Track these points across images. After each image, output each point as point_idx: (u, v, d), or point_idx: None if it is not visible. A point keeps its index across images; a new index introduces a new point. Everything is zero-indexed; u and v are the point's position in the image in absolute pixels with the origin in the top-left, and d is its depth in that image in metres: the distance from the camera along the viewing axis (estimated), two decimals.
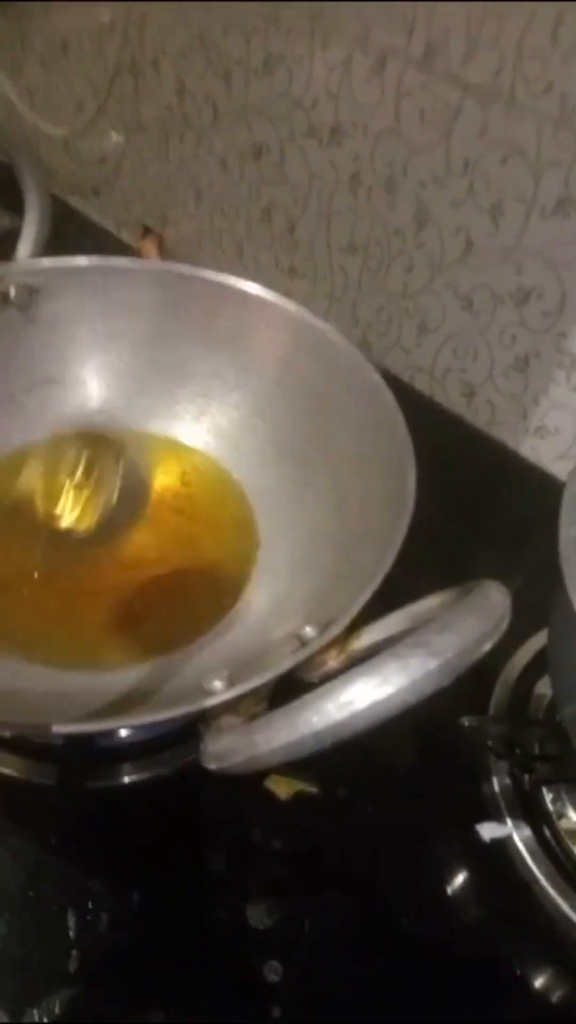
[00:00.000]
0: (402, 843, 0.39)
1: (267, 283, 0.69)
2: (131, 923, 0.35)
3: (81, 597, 0.39)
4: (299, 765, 0.39)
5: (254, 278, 0.70)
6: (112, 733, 0.36)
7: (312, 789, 0.39)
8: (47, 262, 0.43)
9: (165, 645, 0.37)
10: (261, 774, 0.39)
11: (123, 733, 0.38)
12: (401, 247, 0.59)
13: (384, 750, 0.41)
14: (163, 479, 0.44)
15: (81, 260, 0.43)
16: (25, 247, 0.43)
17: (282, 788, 0.39)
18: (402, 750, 0.41)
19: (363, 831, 0.39)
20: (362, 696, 0.22)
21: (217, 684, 0.28)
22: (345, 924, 0.36)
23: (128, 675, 0.36)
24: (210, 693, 0.28)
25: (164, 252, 0.77)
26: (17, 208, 0.82)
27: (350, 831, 0.39)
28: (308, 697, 0.23)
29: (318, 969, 0.34)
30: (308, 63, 0.57)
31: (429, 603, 0.29)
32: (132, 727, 0.27)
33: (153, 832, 0.38)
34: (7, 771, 0.38)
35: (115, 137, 0.75)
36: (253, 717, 0.28)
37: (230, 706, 0.28)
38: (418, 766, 0.41)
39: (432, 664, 0.22)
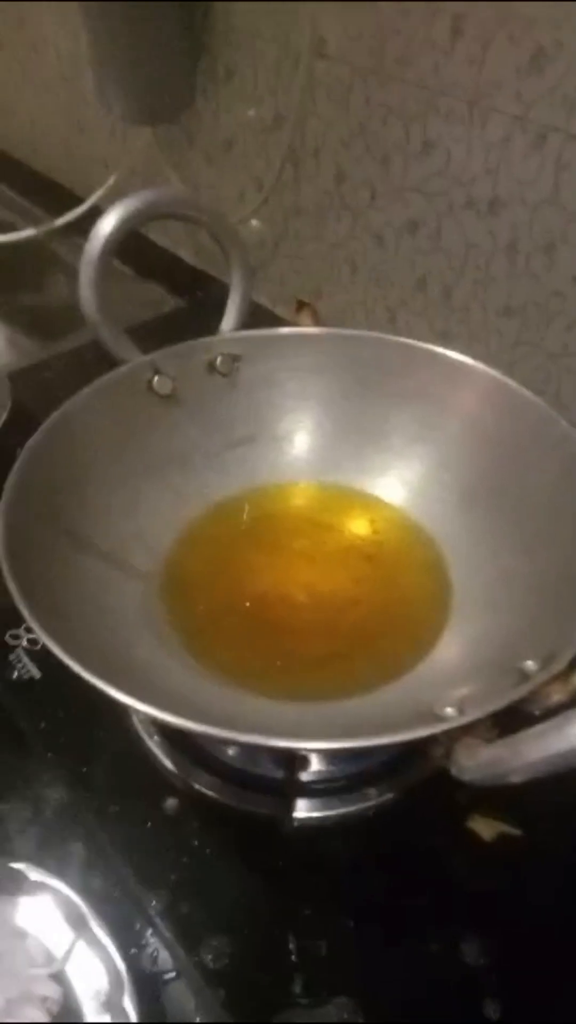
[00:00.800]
0: None
1: None
2: (348, 954, 0.36)
3: (286, 634, 0.42)
4: (501, 806, 0.40)
5: None
6: (333, 760, 0.38)
7: (516, 831, 0.40)
8: (247, 333, 0.48)
9: (371, 680, 0.39)
10: (463, 814, 0.40)
11: (329, 767, 0.40)
12: (560, 307, 0.61)
13: None
14: (353, 528, 0.47)
15: (279, 330, 0.48)
16: (229, 320, 0.48)
17: (485, 829, 0.40)
18: None
19: (570, 875, 0.39)
20: None
21: (450, 711, 0.30)
22: (559, 964, 0.36)
23: (340, 708, 0.38)
24: (444, 718, 0.29)
25: (318, 324, 0.82)
26: (177, 291, 0.90)
27: (556, 875, 0.39)
28: (570, 713, 0.24)
29: (537, 1007, 0.34)
30: (466, 143, 0.61)
31: None
32: (370, 747, 0.29)
33: (361, 866, 0.39)
34: (228, 801, 0.41)
35: (258, 224, 0.81)
36: (490, 743, 0.29)
37: (466, 731, 0.29)
38: None
39: None
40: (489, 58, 0.56)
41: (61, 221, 0.96)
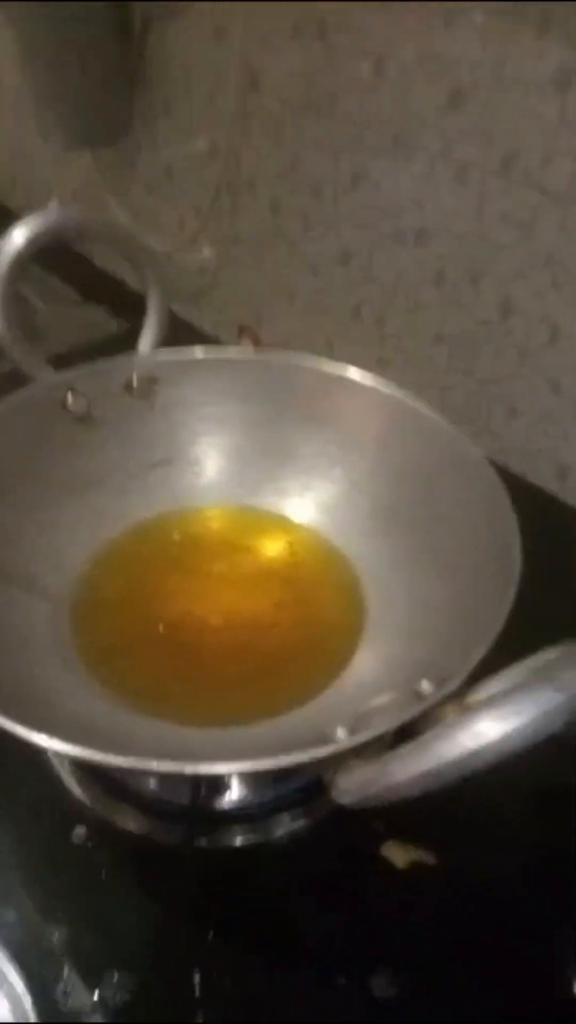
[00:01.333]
0: (526, 919, 0.38)
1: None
2: (253, 986, 0.35)
3: (198, 658, 0.41)
4: (414, 832, 0.40)
5: None
6: (232, 784, 0.37)
7: (429, 859, 0.39)
8: (166, 354, 0.48)
9: (280, 704, 0.39)
10: (376, 841, 0.40)
11: (240, 794, 0.39)
12: (488, 335, 0.62)
13: (500, 819, 0.41)
14: (271, 550, 0.47)
15: (196, 352, 0.48)
16: (146, 341, 0.47)
17: (399, 856, 0.39)
18: (521, 817, 0.41)
19: (484, 904, 0.38)
20: (494, 726, 0.23)
21: (340, 733, 0.30)
22: (467, 997, 0.35)
23: (245, 732, 0.37)
24: (334, 740, 0.29)
25: (259, 346, 0.82)
26: (121, 314, 0.90)
27: (470, 904, 0.39)
28: (440, 729, 0.24)
29: None
30: (393, 176, 0.62)
31: (546, 656, 0.30)
32: (260, 771, 0.28)
33: (270, 896, 0.39)
34: (132, 829, 0.39)
35: (207, 252, 0.82)
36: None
37: (355, 754, 0.29)
38: (538, 835, 0.41)
39: (560, 697, 0.23)
40: (411, 96, 0.57)
41: None
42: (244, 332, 0.83)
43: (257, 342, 0.82)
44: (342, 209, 0.68)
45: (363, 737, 0.29)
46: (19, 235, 0.40)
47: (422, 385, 0.70)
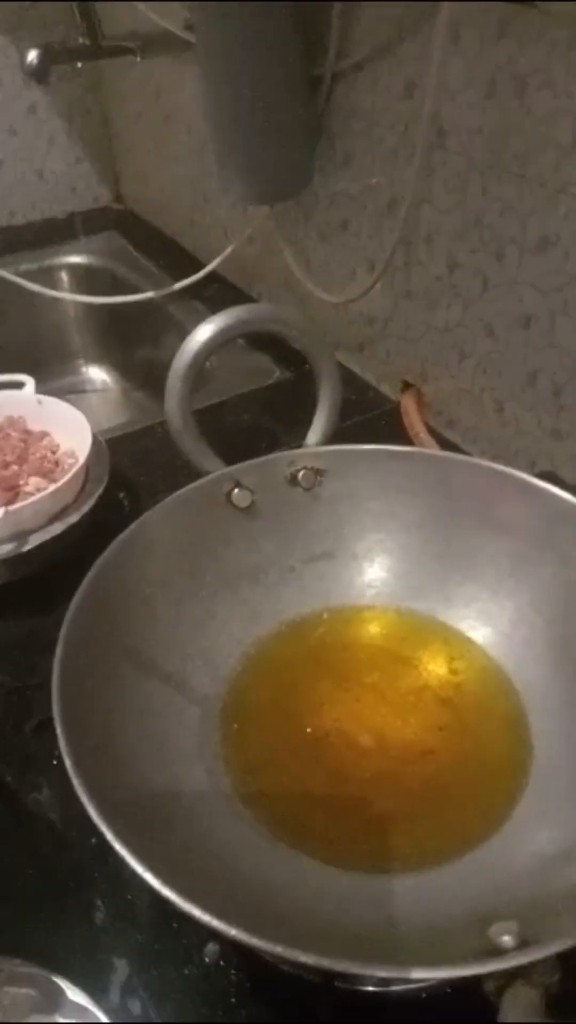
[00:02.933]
0: None
1: (528, 443, 0.69)
2: None
3: (346, 784, 0.39)
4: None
5: (513, 436, 0.71)
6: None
7: None
8: (333, 448, 0.46)
9: (431, 854, 0.36)
10: None
11: None
12: None
13: None
14: (430, 664, 0.44)
15: (365, 446, 0.46)
16: (315, 435, 0.46)
17: None
18: None
19: None
20: None
21: (506, 940, 0.27)
22: None
23: (391, 886, 0.35)
24: (500, 951, 0.26)
25: (423, 406, 0.79)
26: (283, 362, 0.90)
27: None
28: None
29: None
30: None
31: None
32: (410, 978, 0.26)
33: None
34: (271, 957, 0.38)
35: (380, 303, 0.80)
36: (548, 989, 0.26)
37: (521, 969, 0.26)
38: None
39: None
40: None
41: (179, 285, 0.99)
42: (407, 390, 0.80)
43: (420, 401, 0.79)
44: (525, 273, 0.63)
45: (534, 955, 0.26)
46: (202, 334, 0.40)
47: None
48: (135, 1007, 0.40)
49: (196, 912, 0.27)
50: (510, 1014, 0.24)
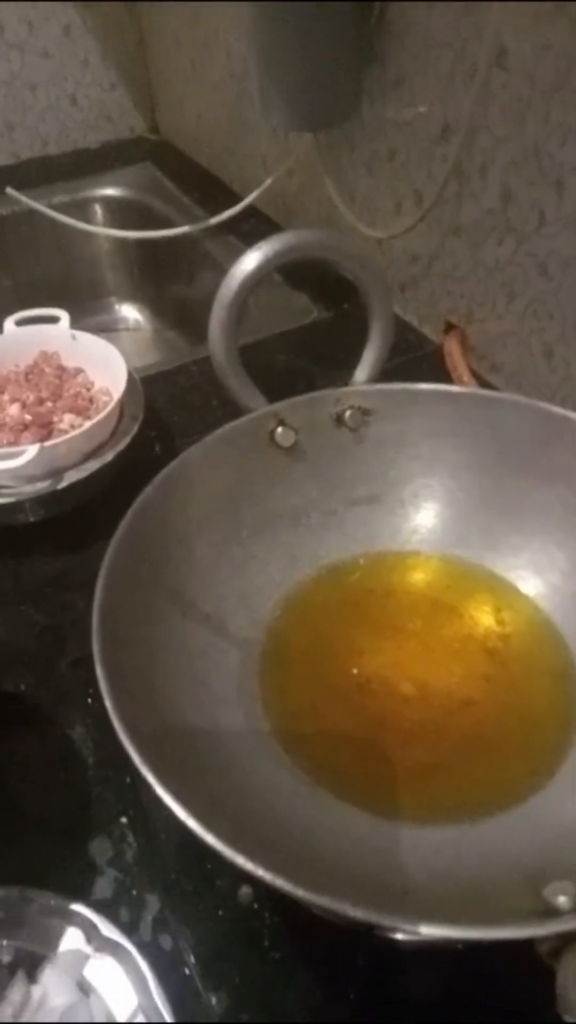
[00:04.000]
0: None
1: None
2: None
3: (387, 733, 0.38)
4: None
5: (561, 382, 0.68)
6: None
7: None
8: (382, 387, 0.44)
9: (476, 805, 0.35)
10: None
11: None
12: None
13: None
14: (476, 614, 0.43)
15: (416, 385, 0.44)
16: (363, 372, 0.44)
17: None
18: None
19: None
20: None
21: (563, 900, 0.26)
22: None
23: (436, 837, 0.34)
24: (557, 912, 0.25)
25: (467, 348, 0.76)
26: (322, 301, 0.87)
27: None
28: None
29: None
30: None
31: None
32: (454, 939, 0.25)
33: (440, 1002, 0.35)
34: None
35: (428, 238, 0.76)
36: None
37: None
38: None
39: None
40: None
41: (215, 220, 0.95)
42: (451, 331, 0.77)
43: (464, 344, 0.76)
44: None
45: None
46: (251, 260, 0.37)
47: None
48: (166, 943, 0.40)
49: (238, 858, 0.26)
50: (569, 980, 0.23)
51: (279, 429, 0.43)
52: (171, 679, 0.36)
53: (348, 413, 0.44)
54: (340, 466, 0.45)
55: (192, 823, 0.27)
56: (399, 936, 0.33)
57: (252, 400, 0.42)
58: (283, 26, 0.67)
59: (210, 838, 0.27)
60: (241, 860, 0.26)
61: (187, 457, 0.40)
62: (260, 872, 0.25)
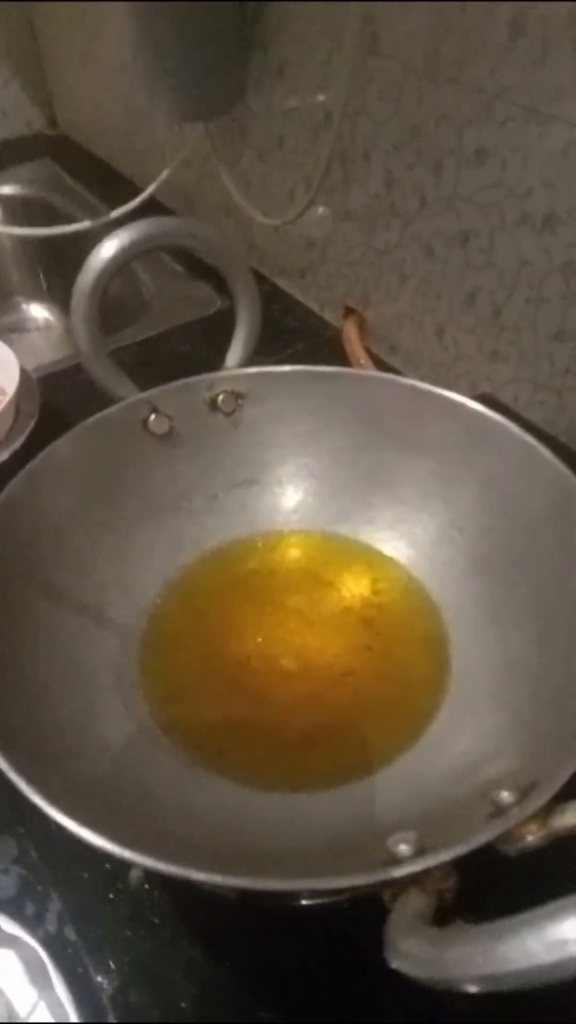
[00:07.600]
0: None
1: (468, 366, 0.68)
2: None
3: (267, 707, 0.39)
4: None
5: (454, 360, 0.69)
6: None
7: None
8: (253, 370, 0.45)
9: (347, 771, 0.36)
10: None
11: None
12: None
13: None
14: (353, 586, 0.44)
15: (284, 368, 0.44)
16: (234, 356, 0.44)
17: None
18: None
19: None
20: None
21: (404, 848, 0.27)
22: None
23: (308, 804, 0.35)
24: (397, 860, 0.26)
25: (365, 332, 0.77)
26: (225, 292, 0.87)
27: None
28: (512, 922, 0.20)
29: None
30: (523, 153, 0.55)
31: None
32: (312, 890, 0.26)
33: (328, 964, 0.36)
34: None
35: (320, 217, 0.77)
36: (441, 895, 0.26)
37: (417, 876, 0.26)
38: None
39: None
40: (551, 61, 0.50)
41: (116, 214, 0.94)
42: (349, 315, 0.78)
43: (363, 327, 0.77)
44: (463, 187, 0.61)
45: (428, 862, 0.26)
46: (109, 248, 0.37)
47: (539, 384, 0.64)
48: (71, 934, 0.40)
49: (97, 840, 0.27)
50: (398, 921, 0.24)
51: (152, 416, 0.43)
52: (43, 670, 0.36)
53: (221, 397, 0.44)
54: (218, 450, 0.45)
55: (49, 808, 0.27)
56: (269, 904, 0.34)
57: (122, 389, 0.43)
58: (161, 16, 0.67)
59: (65, 819, 0.27)
60: (100, 841, 0.26)
61: (54, 448, 0.40)
62: (111, 847, 0.26)
